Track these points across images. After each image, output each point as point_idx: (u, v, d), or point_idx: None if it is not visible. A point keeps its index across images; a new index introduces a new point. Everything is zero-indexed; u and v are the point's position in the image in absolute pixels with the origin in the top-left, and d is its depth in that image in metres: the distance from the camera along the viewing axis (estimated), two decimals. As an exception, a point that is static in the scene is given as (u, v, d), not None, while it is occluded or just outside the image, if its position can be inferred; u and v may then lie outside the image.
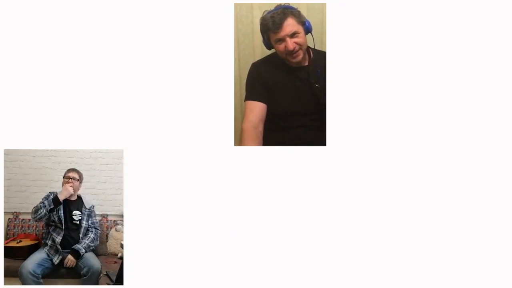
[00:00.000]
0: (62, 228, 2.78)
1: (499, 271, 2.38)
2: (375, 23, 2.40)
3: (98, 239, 2.94)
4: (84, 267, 2.67)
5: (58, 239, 2.75)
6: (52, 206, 2.80)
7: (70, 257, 2.71)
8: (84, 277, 2.65)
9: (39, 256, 2.71)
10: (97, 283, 2.64)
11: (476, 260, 2.39)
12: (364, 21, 2.40)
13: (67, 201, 2.88)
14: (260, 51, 2.71)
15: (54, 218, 2.80)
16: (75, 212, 2.85)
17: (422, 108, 2.39)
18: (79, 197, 2.93)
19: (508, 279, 2.38)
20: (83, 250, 2.74)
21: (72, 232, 2.82)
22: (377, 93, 2.40)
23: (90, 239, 2.83)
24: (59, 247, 2.74)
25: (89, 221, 2.88)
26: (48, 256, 2.73)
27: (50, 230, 2.80)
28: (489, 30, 2.40)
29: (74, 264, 2.70)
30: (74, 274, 2.70)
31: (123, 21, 2.40)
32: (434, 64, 2.40)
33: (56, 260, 2.70)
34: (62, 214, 2.80)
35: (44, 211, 2.78)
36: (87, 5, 2.40)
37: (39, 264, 2.64)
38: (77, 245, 2.77)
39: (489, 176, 2.39)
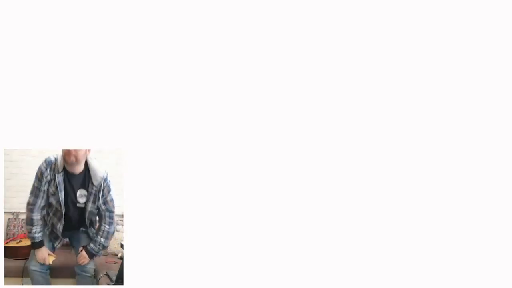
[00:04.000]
0: (63, 214, 2.35)
1: (498, 270, 2.39)
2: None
3: (114, 227, 2.37)
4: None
5: (59, 225, 2.37)
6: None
7: (84, 254, 2.39)
8: (78, 276, 2.58)
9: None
10: (97, 283, 2.63)
11: (469, 257, 2.39)
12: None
13: (69, 176, 2.30)
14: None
15: (52, 202, 2.32)
16: (79, 192, 2.32)
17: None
18: (86, 167, 2.30)
19: (508, 279, 2.38)
20: (100, 253, 2.44)
21: (75, 217, 2.36)
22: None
23: (104, 233, 2.33)
24: (59, 234, 2.41)
25: (99, 202, 2.33)
26: (50, 241, 2.51)
27: (50, 213, 2.37)
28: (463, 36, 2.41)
29: (88, 262, 2.50)
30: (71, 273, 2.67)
31: (124, 21, 2.40)
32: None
33: (57, 244, 2.44)
34: (63, 198, 2.30)
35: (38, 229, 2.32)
36: (84, 5, 2.40)
37: None
38: (92, 245, 2.39)
39: (477, 177, 2.39)
